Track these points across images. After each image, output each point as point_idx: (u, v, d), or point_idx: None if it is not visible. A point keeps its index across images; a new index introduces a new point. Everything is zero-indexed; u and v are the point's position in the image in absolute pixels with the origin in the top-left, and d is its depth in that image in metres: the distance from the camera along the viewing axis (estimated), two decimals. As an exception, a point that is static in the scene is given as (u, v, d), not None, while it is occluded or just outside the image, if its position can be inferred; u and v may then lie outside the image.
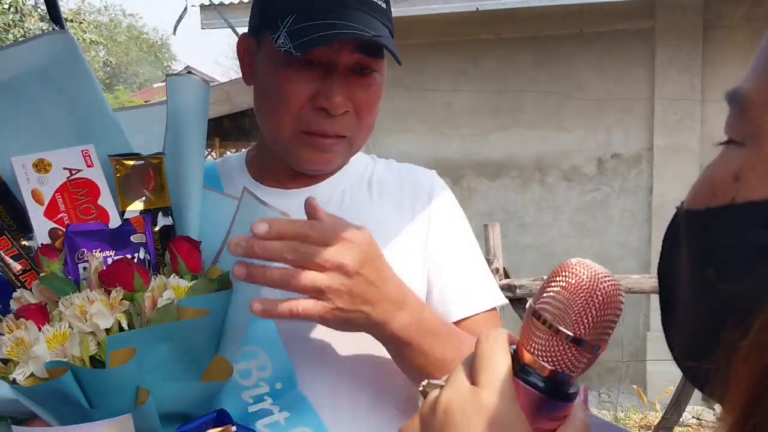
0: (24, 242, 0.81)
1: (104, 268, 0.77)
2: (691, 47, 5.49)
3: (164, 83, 0.93)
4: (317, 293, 0.76)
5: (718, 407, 5.13)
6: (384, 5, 0.94)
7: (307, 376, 0.90)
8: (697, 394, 4.99)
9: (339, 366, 0.93)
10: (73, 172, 0.83)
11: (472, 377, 0.48)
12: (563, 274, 0.47)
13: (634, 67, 5.70)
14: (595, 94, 5.76)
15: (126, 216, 0.84)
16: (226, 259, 0.84)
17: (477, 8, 5.55)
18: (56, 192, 0.81)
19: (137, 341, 0.72)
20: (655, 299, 5.44)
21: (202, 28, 6.26)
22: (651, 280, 2.92)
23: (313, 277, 0.76)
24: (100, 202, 0.83)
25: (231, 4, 6.37)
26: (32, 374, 0.71)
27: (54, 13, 2.03)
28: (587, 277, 0.46)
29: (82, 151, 0.84)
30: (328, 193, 1.01)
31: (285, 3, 0.90)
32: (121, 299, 0.74)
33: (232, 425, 0.78)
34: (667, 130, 5.58)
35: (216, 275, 0.83)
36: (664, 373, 5.16)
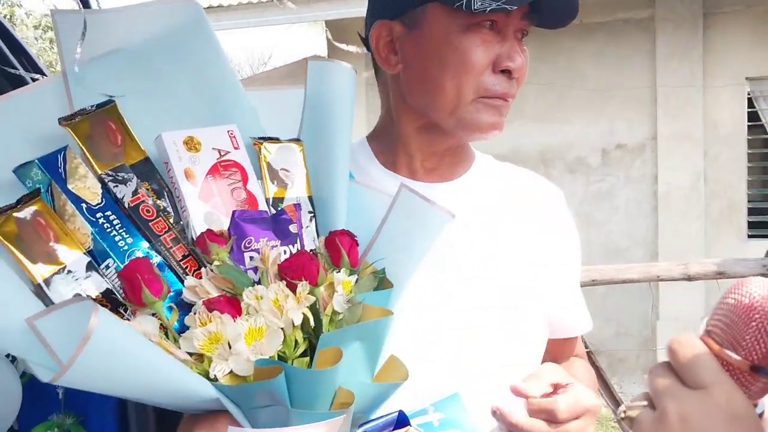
0: (172, 223, 0.77)
1: (281, 260, 0.73)
2: (692, 35, 5.52)
3: None
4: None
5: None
6: None
7: (462, 377, 0.90)
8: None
9: (495, 372, 0.94)
10: (222, 153, 0.79)
11: (690, 382, 0.49)
12: (735, 291, 0.44)
13: (635, 57, 5.72)
14: (597, 84, 5.78)
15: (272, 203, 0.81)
16: (374, 255, 0.83)
17: (476, 2, 5.55)
18: (208, 173, 0.77)
19: (342, 341, 0.70)
20: (663, 288, 5.47)
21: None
22: (658, 268, 2.94)
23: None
24: (248, 186, 0.80)
25: (230, 6, 6.32)
26: (231, 371, 0.67)
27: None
28: (761, 297, 0.42)
29: (228, 132, 0.81)
30: (462, 191, 1.01)
31: None
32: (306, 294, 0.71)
33: (410, 426, 0.76)
34: (670, 118, 5.61)
35: (369, 271, 0.81)
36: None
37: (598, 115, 5.81)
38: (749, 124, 5.49)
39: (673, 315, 5.51)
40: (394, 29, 0.95)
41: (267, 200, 0.81)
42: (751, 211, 5.51)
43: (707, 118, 5.55)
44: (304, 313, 0.71)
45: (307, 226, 0.83)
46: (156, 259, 0.74)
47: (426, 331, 0.92)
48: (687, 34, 5.53)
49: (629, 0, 5.64)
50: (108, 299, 0.71)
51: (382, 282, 0.80)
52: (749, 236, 5.47)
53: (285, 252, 0.77)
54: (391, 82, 0.99)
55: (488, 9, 0.85)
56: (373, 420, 0.74)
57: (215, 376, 0.67)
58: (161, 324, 0.70)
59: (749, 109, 5.47)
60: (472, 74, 0.90)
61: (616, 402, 2.98)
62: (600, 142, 5.86)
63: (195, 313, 0.69)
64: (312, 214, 0.84)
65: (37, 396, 1.21)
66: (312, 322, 0.72)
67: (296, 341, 0.71)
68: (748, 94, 5.47)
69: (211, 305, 0.68)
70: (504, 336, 0.95)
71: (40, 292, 0.68)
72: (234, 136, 0.81)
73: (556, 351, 1.07)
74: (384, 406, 0.78)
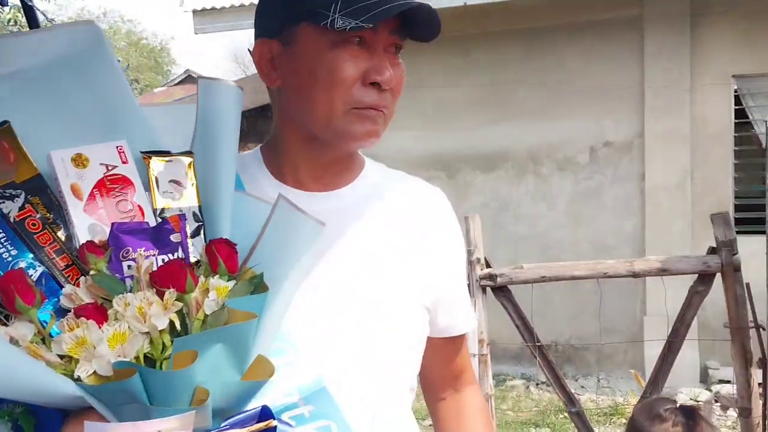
0: (60, 235, 0.83)
1: (154, 268, 0.79)
2: (679, 34, 5.55)
3: (165, 88, 0.95)
4: None
5: (715, 387, 5.20)
6: None
7: (331, 373, 0.96)
8: (682, 373, 5.06)
9: (360, 365, 1.00)
10: (110, 167, 0.85)
11: None
12: None
13: (624, 56, 5.76)
14: (586, 83, 5.83)
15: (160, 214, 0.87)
16: (255, 262, 0.88)
17: (465, 3, 5.60)
18: (94, 187, 0.83)
19: (200, 344, 0.75)
20: (650, 283, 5.51)
21: (195, 33, 6.29)
22: (604, 265, 3.00)
23: None
24: (135, 198, 0.86)
25: (223, 8, 6.39)
26: (94, 372, 0.73)
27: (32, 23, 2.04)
28: None
29: (116, 147, 0.86)
30: (347, 201, 1.06)
31: None
32: (174, 300, 0.77)
33: (274, 420, 0.82)
34: (658, 116, 5.65)
35: (248, 276, 0.86)
36: (663, 356, 5.23)
37: (586, 114, 5.86)
38: (736, 121, 5.52)
39: (659, 311, 5.54)
40: (272, 47, 1.00)
41: (154, 211, 0.87)
42: (738, 208, 5.54)
43: (694, 116, 5.58)
44: (171, 319, 0.77)
45: (195, 236, 0.90)
46: (39, 269, 0.80)
47: (303, 325, 0.97)
48: (675, 33, 5.57)
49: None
50: (-7, 307, 0.77)
51: (258, 287, 0.85)
52: (736, 233, 5.48)
53: (163, 261, 0.83)
54: (276, 97, 1.04)
55: (348, 28, 0.91)
56: (237, 414, 0.80)
57: (79, 376, 0.74)
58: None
59: (736, 107, 5.51)
60: (342, 87, 0.95)
61: (566, 394, 3.03)
62: (588, 140, 5.91)
63: (64, 319, 0.75)
64: (201, 223, 0.90)
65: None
66: (179, 327, 0.78)
67: (164, 344, 0.78)
68: (735, 92, 5.50)
69: (79, 312, 0.75)
70: (379, 330, 1.01)
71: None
72: (123, 151, 0.87)
73: (445, 350, 1.14)
74: (258, 400, 0.84)
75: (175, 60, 31.17)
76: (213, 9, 6.62)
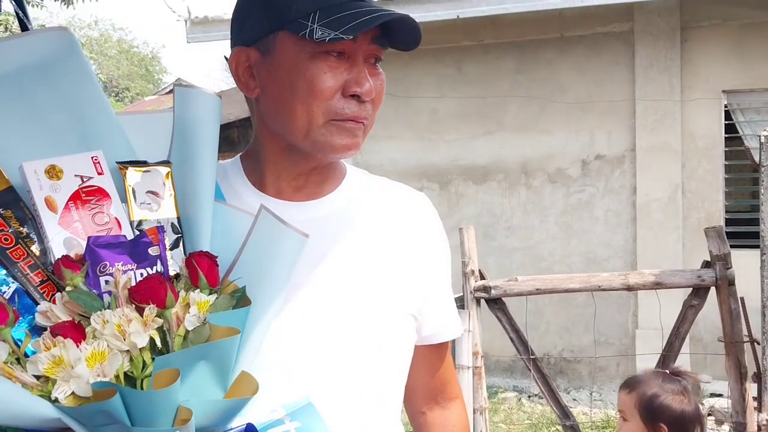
0: (34, 250, 0.80)
1: (133, 283, 0.76)
2: (670, 48, 5.57)
3: (156, 96, 0.92)
4: None
5: (707, 401, 5.19)
6: None
7: (317, 388, 0.93)
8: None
9: (347, 379, 0.97)
10: (85, 179, 0.83)
11: None
12: None
13: (615, 69, 5.78)
14: (577, 96, 5.84)
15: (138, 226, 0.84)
16: (237, 275, 0.86)
17: (458, 16, 5.60)
18: (69, 200, 0.80)
19: (181, 362, 0.73)
20: (642, 297, 5.51)
21: (187, 42, 6.26)
22: (599, 278, 2.99)
23: None
24: (111, 210, 0.84)
25: (216, 18, 6.37)
26: (73, 393, 0.71)
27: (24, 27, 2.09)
28: None
29: (91, 158, 0.84)
30: (330, 209, 1.03)
31: (301, 4, 0.92)
32: (154, 316, 0.74)
33: None
34: (649, 130, 5.66)
35: (230, 290, 0.84)
36: (655, 370, 5.21)
37: (578, 127, 5.87)
38: (726, 136, 5.54)
39: (651, 324, 5.53)
40: (250, 55, 0.97)
41: (131, 223, 0.85)
42: (729, 222, 5.55)
43: (685, 131, 5.59)
44: (152, 336, 0.74)
45: (174, 248, 0.87)
46: (13, 285, 0.77)
47: (287, 338, 0.94)
48: (665, 48, 5.59)
49: (608, 13, 5.70)
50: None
51: (240, 301, 0.83)
52: (727, 247, 5.50)
53: (141, 275, 0.81)
54: (255, 106, 1.01)
55: (327, 39, 0.88)
56: None
57: (56, 397, 0.71)
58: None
59: (726, 122, 5.52)
60: (321, 99, 0.93)
61: (560, 407, 3.01)
62: (580, 153, 5.91)
63: (40, 338, 0.72)
64: (180, 235, 0.88)
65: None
66: (159, 344, 0.75)
67: (144, 362, 0.75)
68: (725, 107, 5.51)
69: (56, 330, 0.72)
70: (365, 341, 0.98)
71: None
72: (98, 162, 0.84)
73: (429, 358, 1.12)
74: (242, 417, 0.82)
75: (167, 68, 31.18)
76: (206, 18, 6.60)
